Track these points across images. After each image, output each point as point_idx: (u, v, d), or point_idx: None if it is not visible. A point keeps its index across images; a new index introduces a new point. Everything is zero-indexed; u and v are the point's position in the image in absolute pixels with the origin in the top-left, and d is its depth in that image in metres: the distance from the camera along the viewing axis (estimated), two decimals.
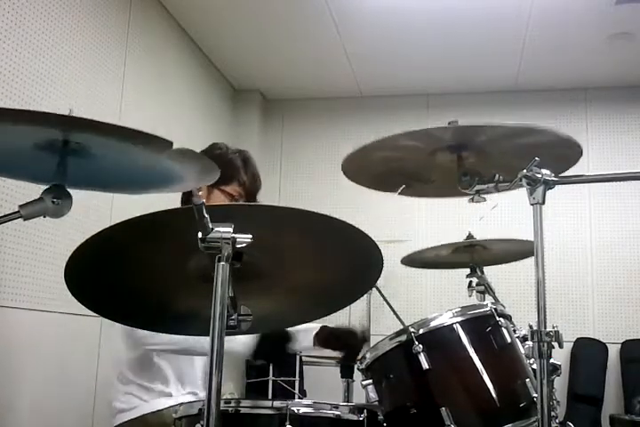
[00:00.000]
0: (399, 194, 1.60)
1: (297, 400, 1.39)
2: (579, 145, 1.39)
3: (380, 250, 1.27)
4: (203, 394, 1.89)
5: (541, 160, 1.28)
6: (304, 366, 3.78)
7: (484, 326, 1.50)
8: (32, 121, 0.97)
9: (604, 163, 4.24)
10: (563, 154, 1.43)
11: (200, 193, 2.01)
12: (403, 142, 1.46)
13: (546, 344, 1.20)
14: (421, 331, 1.46)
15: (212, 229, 1.05)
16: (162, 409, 1.89)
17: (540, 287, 1.24)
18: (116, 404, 1.97)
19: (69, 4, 2.71)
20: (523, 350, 1.53)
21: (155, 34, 3.46)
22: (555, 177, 1.28)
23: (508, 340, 1.49)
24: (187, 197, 1.92)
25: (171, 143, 1.00)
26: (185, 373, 2.00)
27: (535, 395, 1.34)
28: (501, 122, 1.36)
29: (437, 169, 1.53)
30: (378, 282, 1.46)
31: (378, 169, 1.59)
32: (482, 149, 1.45)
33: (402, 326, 1.51)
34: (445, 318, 1.49)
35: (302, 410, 1.34)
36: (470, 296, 2.23)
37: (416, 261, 2.40)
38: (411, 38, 3.81)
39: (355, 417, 1.38)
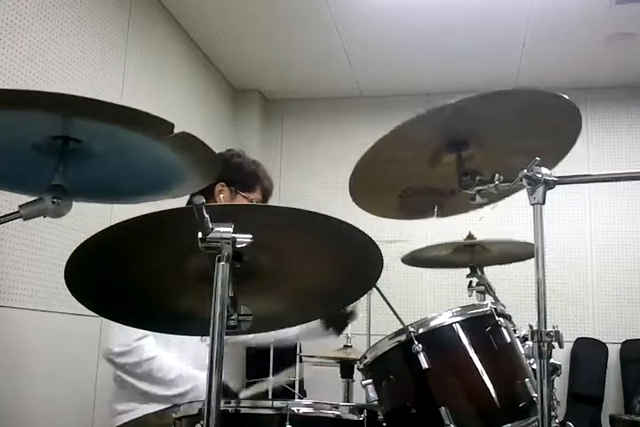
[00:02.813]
0: (437, 217, 1.60)
1: (297, 400, 1.39)
2: (576, 108, 1.37)
3: (379, 250, 1.27)
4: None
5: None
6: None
7: (484, 326, 1.49)
8: (32, 102, 0.96)
9: (603, 163, 4.24)
10: (561, 121, 1.41)
11: (222, 196, 2.09)
12: (399, 149, 1.46)
13: (546, 344, 1.20)
14: (421, 331, 1.46)
15: (212, 229, 1.04)
16: (163, 409, 1.89)
17: (540, 287, 1.24)
18: (115, 405, 1.97)
19: (69, 4, 2.71)
20: (523, 350, 1.52)
21: (155, 34, 3.46)
22: (555, 177, 1.27)
23: (508, 340, 1.49)
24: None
25: (172, 125, 1.00)
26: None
27: (535, 395, 1.34)
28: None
29: (448, 179, 1.51)
30: (378, 282, 1.46)
31: (392, 196, 1.58)
32: (481, 140, 1.44)
33: (401, 326, 1.51)
34: (445, 318, 1.49)
35: (302, 410, 1.34)
36: (470, 296, 2.23)
37: (416, 259, 2.40)
38: (411, 38, 3.81)
39: (355, 417, 1.38)
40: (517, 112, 1.38)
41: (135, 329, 1.83)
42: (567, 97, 1.34)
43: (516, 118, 1.40)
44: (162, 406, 1.90)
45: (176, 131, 1.03)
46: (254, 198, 2.16)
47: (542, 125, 1.41)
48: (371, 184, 1.55)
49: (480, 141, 1.46)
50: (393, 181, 1.55)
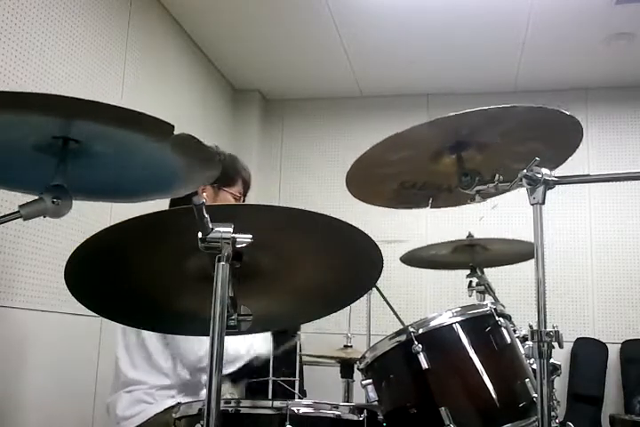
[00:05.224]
0: (431, 207, 1.60)
1: (297, 400, 1.39)
2: (579, 123, 1.38)
3: (379, 250, 1.27)
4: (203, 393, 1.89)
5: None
6: (304, 366, 3.77)
7: (484, 326, 1.50)
8: (32, 104, 0.96)
9: (604, 163, 4.24)
10: (562, 133, 1.42)
11: (205, 194, 2.06)
12: (401, 149, 1.46)
13: (546, 344, 1.20)
14: (421, 331, 1.46)
15: (212, 229, 1.04)
16: (167, 408, 1.88)
17: (540, 287, 1.24)
18: (118, 412, 1.94)
19: (69, 4, 2.71)
20: (523, 350, 1.53)
21: (155, 34, 3.46)
22: (555, 177, 1.28)
23: (508, 340, 1.49)
24: (176, 200, 1.93)
25: (172, 127, 0.99)
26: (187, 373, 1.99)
27: (535, 395, 1.34)
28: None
29: (447, 176, 1.52)
30: (378, 282, 1.46)
31: (389, 188, 1.59)
32: (482, 144, 1.45)
33: (401, 326, 1.51)
34: (445, 318, 1.49)
35: (302, 410, 1.34)
36: (470, 296, 2.23)
37: (416, 259, 2.39)
38: (411, 38, 3.81)
39: (355, 417, 1.38)
40: (519, 122, 1.39)
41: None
42: (568, 112, 1.35)
43: (517, 126, 1.40)
44: (166, 405, 1.90)
45: (176, 131, 1.03)
46: (237, 192, 2.15)
47: (544, 133, 1.41)
48: (368, 176, 1.55)
49: (481, 145, 1.46)
50: (391, 174, 1.55)
